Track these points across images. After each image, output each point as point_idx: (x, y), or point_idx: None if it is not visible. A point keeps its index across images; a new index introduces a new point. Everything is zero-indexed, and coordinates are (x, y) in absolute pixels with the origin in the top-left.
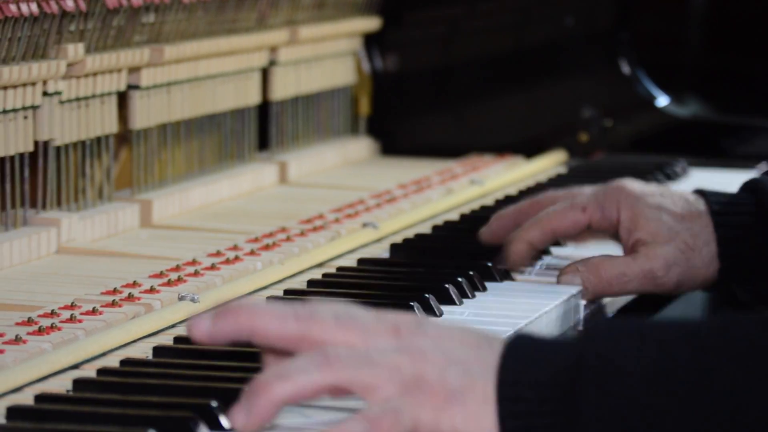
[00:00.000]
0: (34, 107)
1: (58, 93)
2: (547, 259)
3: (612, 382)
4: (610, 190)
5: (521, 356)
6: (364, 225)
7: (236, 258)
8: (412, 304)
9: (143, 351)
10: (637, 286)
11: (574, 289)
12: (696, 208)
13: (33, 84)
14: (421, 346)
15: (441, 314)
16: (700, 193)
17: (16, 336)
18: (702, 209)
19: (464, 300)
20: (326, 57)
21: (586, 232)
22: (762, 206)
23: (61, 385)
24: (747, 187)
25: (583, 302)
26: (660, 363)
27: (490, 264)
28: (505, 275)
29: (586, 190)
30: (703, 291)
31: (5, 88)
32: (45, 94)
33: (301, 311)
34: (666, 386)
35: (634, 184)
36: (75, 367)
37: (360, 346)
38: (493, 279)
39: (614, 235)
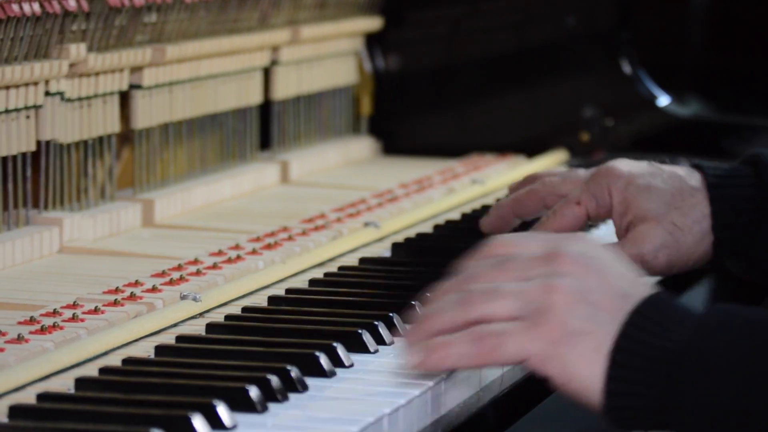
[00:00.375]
0: (36, 107)
1: (60, 93)
2: None
3: (717, 381)
4: (599, 177)
5: (645, 325)
6: (366, 224)
7: (238, 257)
8: (413, 303)
9: (145, 350)
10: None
11: None
12: (688, 185)
13: (35, 84)
14: (564, 277)
15: None
16: (697, 166)
17: (19, 335)
18: (695, 185)
19: None
20: (328, 57)
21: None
22: (761, 179)
23: (63, 384)
24: (747, 160)
25: None
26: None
27: None
28: None
29: (581, 173)
30: (698, 269)
31: (8, 87)
32: (47, 93)
33: (461, 297)
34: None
35: (623, 166)
36: (77, 366)
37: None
38: None
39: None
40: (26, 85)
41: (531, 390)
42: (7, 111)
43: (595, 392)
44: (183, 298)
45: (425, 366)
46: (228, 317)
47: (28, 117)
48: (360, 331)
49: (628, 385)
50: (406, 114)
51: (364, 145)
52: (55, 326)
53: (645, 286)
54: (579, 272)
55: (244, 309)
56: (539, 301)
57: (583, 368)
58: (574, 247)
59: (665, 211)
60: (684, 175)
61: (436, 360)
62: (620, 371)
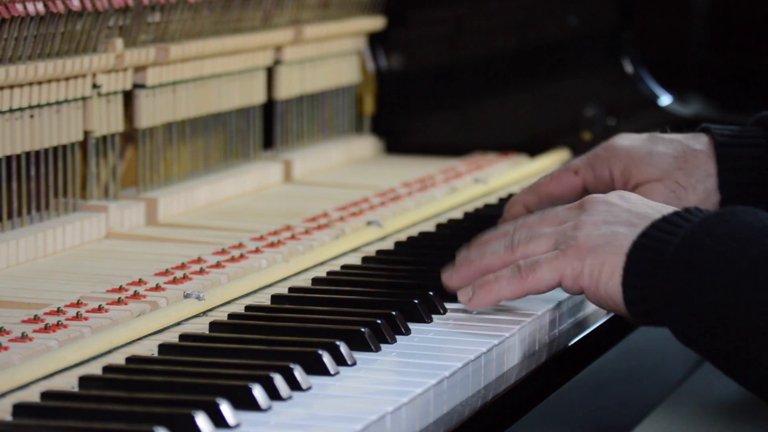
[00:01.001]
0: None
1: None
2: None
3: (699, 276)
4: (600, 150)
5: (661, 225)
6: (369, 223)
7: (241, 256)
8: (415, 301)
9: (149, 348)
10: None
11: None
12: (691, 147)
13: (39, 83)
14: (590, 216)
15: (445, 311)
16: (705, 129)
17: (23, 333)
18: (698, 147)
19: None
20: (331, 56)
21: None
22: None
23: (67, 383)
24: (758, 121)
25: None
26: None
27: None
28: None
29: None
30: None
31: (11, 87)
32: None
33: (505, 245)
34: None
35: (624, 140)
36: (81, 364)
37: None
38: None
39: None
40: (30, 84)
41: (532, 388)
42: (11, 110)
43: (617, 293)
44: (186, 296)
45: (474, 303)
46: (231, 316)
47: (32, 116)
48: (363, 329)
49: (640, 279)
50: (409, 113)
51: (366, 144)
52: (59, 325)
53: (669, 208)
54: (606, 208)
55: (248, 308)
56: (569, 235)
57: (606, 272)
58: (604, 195)
59: (668, 172)
60: (686, 139)
61: (483, 295)
62: (632, 276)
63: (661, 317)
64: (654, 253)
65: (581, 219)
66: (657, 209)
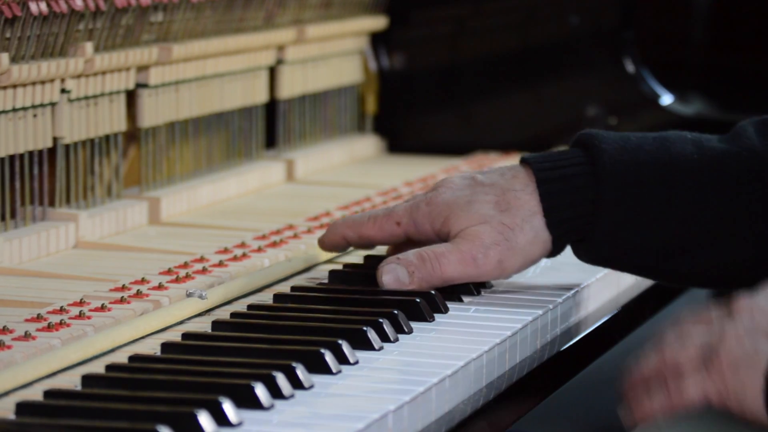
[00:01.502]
0: (47, 105)
1: (66, 91)
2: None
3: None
4: (422, 204)
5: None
6: None
7: (244, 255)
8: (417, 300)
9: (151, 347)
10: (457, 270)
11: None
12: (511, 189)
13: (43, 82)
14: (734, 328)
15: (446, 310)
16: (526, 162)
17: (26, 332)
18: (518, 186)
19: (468, 297)
20: (333, 56)
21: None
22: (593, 160)
23: (70, 381)
24: (578, 142)
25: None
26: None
27: None
28: None
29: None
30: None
31: (14, 86)
32: (63, 91)
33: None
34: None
35: (446, 193)
36: (84, 363)
37: None
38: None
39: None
40: (33, 84)
41: (534, 387)
42: (14, 110)
43: (762, 413)
44: (189, 295)
45: (631, 421)
46: (234, 315)
47: (34, 116)
48: (365, 328)
49: (556, 197)
50: (411, 112)
51: (369, 144)
52: (62, 323)
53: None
54: (749, 314)
55: (250, 306)
56: (714, 348)
57: (749, 393)
58: (754, 297)
59: (491, 215)
60: (506, 182)
61: (640, 414)
62: (548, 199)
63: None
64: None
65: (725, 331)
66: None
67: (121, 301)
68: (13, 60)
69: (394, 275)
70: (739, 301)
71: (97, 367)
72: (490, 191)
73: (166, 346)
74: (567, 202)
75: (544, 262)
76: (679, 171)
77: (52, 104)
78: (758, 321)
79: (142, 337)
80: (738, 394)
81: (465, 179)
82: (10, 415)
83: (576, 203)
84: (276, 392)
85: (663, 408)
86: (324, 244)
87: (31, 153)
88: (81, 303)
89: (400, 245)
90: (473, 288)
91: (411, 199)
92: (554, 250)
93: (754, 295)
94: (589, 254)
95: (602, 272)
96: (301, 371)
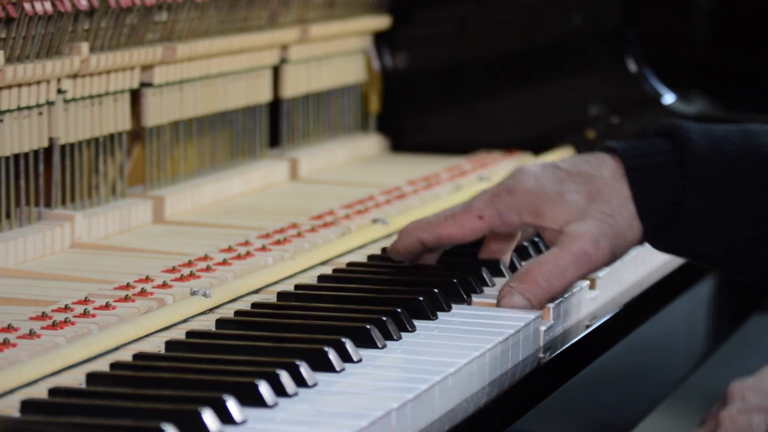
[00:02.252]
0: (49, 103)
1: (63, 91)
2: None
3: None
4: (504, 194)
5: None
6: (374, 221)
7: (247, 253)
8: (420, 299)
9: (156, 345)
10: (575, 273)
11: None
12: (600, 176)
13: (48, 81)
14: (727, 411)
15: (450, 309)
16: (611, 150)
17: (30, 330)
18: (607, 174)
19: (472, 296)
20: (337, 55)
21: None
22: (680, 150)
23: (75, 379)
24: (662, 131)
25: (542, 328)
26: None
27: (497, 260)
28: (513, 267)
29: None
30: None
31: (20, 85)
32: (60, 91)
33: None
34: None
35: (529, 181)
36: (88, 361)
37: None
38: (501, 274)
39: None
40: (38, 83)
41: (537, 385)
42: (19, 108)
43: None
44: (193, 293)
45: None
46: (238, 313)
47: (40, 114)
48: (368, 326)
49: (647, 183)
50: (414, 112)
51: (372, 143)
52: (66, 322)
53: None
54: (739, 398)
55: (254, 305)
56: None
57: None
58: (745, 381)
59: (586, 207)
60: (593, 169)
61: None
62: (637, 175)
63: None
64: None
65: (721, 418)
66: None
67: (126, 299)
68: (9, 60)
69: (518, 305)
70: (732, 386)
71: (102, 365)
72: (578, 180)
73: (170, 344)
74: (656, 190)
75: None
76: (766, 164)
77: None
78: (749, 400)
79: (147, 336)
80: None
81: (546, 167)
82: (15, 413)
83: (664, 191)
84: (280, 390)
85: None
86: (398, 251)
87: (36, 151)
88: (86, 301)
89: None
90: (475, 286)
91: (482, 193)
92: (642, 238)
93: (746, 379)
94: (668, 242)
95: (604, 271)
96: (304, 369)
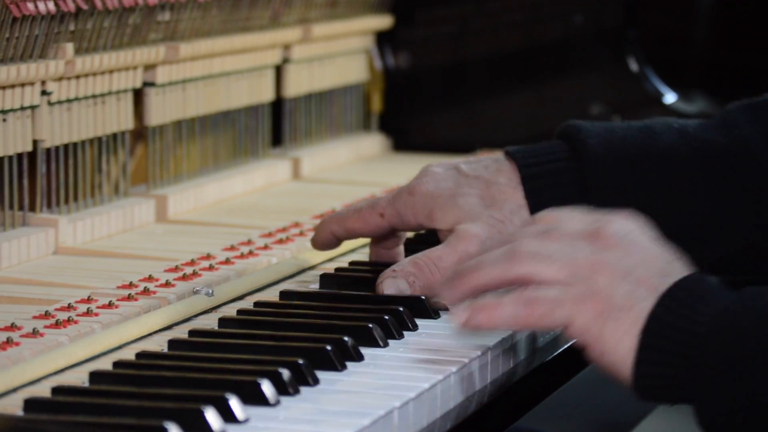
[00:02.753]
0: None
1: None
2: None
3: (738, 365)
4: (405, 195)
5: (674, 306)
6: None
7: (250, 252)
8: (423, 297)
9: (159, 344)
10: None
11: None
12: (495, 182)
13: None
14: (608, 257)
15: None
16: (510, 155)
17: (34, 329)
18: (503, 181)
19: None
20: (339, 54)
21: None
22: (576, 154)
23: (78, 378)
24: (562, 134)
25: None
26: None
27: None
28: None
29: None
30: None
31: (23, 85)
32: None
33: (507, 252)
34: None
35: (427, 185)
36: (91, 359)
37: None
38: None
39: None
40: (41, 82)
41: (538, 384)
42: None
43: (626, 367)
44: (196, 292)
45: (472, 324)
46: (240, 312)
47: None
48: (370, 325)
49: (655, 366)
50: (416, 111)
51: (374, 142)
52: (69, 321)
53: (682, 265)
54: (622, 251)
55: (256, 303)
56: (586, 275)
57: (617, 342)
58: (616, 227)
59: (479, 211)
60: (490, 174)
61: (484, 319)
62: (648, 353)
63: (679, 398)
64: (671, 343)
65: (600, 261)
66: (672, 262)
67: (129, 298)
68: (21, 59)
69: (395, 288)
70: (604, 226)
71: (105, 364)
72: (474, 184)
73: (173, 343)
74: (551, 198)
75: None
76: (665, 165)
77: (64, 101)
78: (633, 263)
79: (149, 334)
80: (605, 338)
81: (448, 169)
82: (18, 411)
83: (560, 199)
84: (282, 389)
85: (519, 324)
86: (315, 242)
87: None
88: (88, 300)
89: (385, 237)
90: None
91: (389, 191)
92: None
93: (617, 219)
94: None
95: None
96: (307, 368)
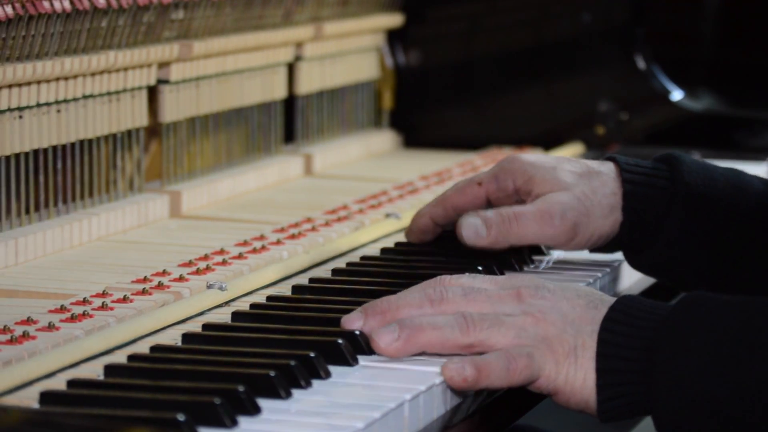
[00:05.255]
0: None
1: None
2: (555, 255)
3: (687, 364)
4: (505, 162)
5: (616, 327)
6: (387, 215)
7: (263, 247)
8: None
9: (172, 338)
10: (535, 229)
11: None
12: (596, 169)
13: (66, 79)
14: (542, 308)
15: None
16: (610, 158)
17: (50, 323)
18: (603, 170)
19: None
20: (350, 52)
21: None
22: (674, 175)
23: (93, 371)
24: (660, 158)
25: None
26: (725, 348)
27: (507, 253)
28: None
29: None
30: (603, 251)
31: (39, 82)
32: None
33: (433, 296)
34: (728, 370)
35: (530, 156)
36: (106, 353)
37: (489, 311)
38: (511, 268)
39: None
40: (57, 79)
41: None
42: (38, 105)
43: (593, 400)
44: (209, 287)
45: (467, 380)
46: (253, 306)
47: (58, 111)
48: None
49: (614, 387)
50: (427, 108)
51: (385, 139)
52: (85, 314)
53: (603, 294)
54: (548, 300)
55: (269, 298)
56: (534, 330)
57: (582, 381)
58: (528, 283)
59: (574, 183)
60: (591, 163)
61: (476, 377)
62: (605, 376)
63: (639, 410)
64: (621, 361)
65: (537, 315)
66: (595, 296)
67: (143, 292)
68: (37, 56)
69: (473, 229)
70: (518, 285)
71: (119, 358)
72: (576, 164)
73: (186, 337)
74: (645, 196)
75: (556, 256)
76: (745, 198)
77: (79, 98)
78: (564, 308)
79: (163, 328)
80: (569, 378)
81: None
82: (35, 404)
83: (651, 200)
84: (294, 382)
85: (504, 381)
86: (411, 232)
87: (54, 147)
88: (104, 294)
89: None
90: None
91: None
92: (615, 240)
93: (521, 277)
94: (647, 261)
95: (608, 269)
96: (319, 361)
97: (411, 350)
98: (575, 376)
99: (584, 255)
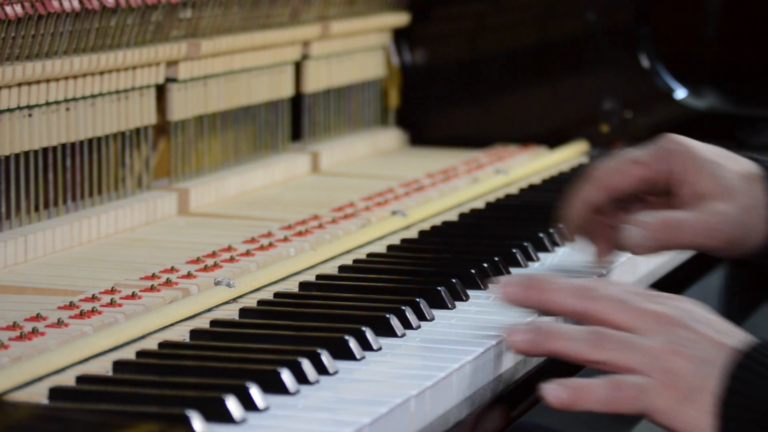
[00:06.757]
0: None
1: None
2: (560, 252)
3: None
4: (662, 142)
5: (750, 378)
6: (393, 213)
7: (270, 244)
8: (439, 288)
9: (181, 334)
10: (694, 239)
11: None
12: (749, 170)
13: (75, 77)
14: (682, 341)
15: (467, 298)
16: (753, 158)
17: (59, 319)
18: (755, 171)
19: (489, 285)
20: (357, 51)
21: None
22: None
23: (102, 367)
24: None
25: None
26: None
27: (514, 251)
28: (529, 258)
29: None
30: (749, 261)
31: (48, 81)
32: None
33: (583, 291)
34: None
35: (687, 139)
36: (115, 349)
37: (631, 329)
38: (517, 264)
39: (666, 191)
40: (66, 78)
41: (552, 373)
42: (47, 103)
43: None
44: (217, 283)
45: (563, 402)
46: (260, 302)
47: (67, 110)
48: (388, 315)
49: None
50: (432, 106)
51: (391, 137)
52: (93, 311)
53: (742, 336)
54: (690, 331)
55: (276, 294)
56: (665, 361)
57: (697, 423)
58: (679, 309)
59: (739, 189)
60: (743, 160)
61: (574, 398)
62: (733, 424)
63: None
64: (755, 413)
65: (676, 348)
66: (733, 334)
67: (151, 289)
68: (47, 55)
69: (638, 239)
70: (669, 309)
71: (128, 354)
72: (734, 162)
73: (194, 333)
74: None
75: (558, 259)
76: None
77: (88, 97)
78: (704, 347)
79: (172, 325)
80: (690, 420)
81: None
82: (44, 400)
83: None
84: (301, 378)
85: (606, 406)
86: (566, 220)
87: (63, 145)
88: (112, 291)
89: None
90: (492, 276)
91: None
92: (763, 248)
93: (671, 299)
94: None
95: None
96: (326, 357)
97: (537, 354)
98: (691, 417)
99: (558, 273)
